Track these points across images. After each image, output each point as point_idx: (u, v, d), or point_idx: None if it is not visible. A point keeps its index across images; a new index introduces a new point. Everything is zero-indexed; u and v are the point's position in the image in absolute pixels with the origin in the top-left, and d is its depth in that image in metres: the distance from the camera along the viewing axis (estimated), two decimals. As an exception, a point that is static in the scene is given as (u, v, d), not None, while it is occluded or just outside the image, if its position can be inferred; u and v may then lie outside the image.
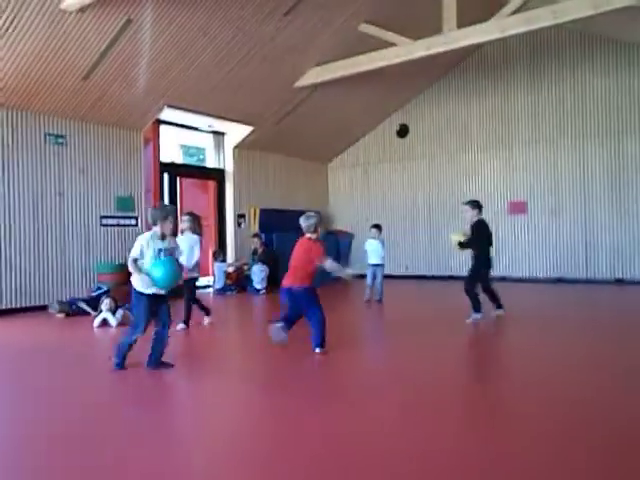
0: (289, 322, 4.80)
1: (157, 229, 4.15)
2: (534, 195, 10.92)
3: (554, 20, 7.47)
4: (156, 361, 4.22)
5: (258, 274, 9.88)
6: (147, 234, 4.20)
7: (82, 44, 6.88)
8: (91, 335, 6.08)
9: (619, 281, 9.96)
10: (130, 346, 4.18)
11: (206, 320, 6.33)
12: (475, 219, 6.26)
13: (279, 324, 4.79)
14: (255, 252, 10.36)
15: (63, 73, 7.25)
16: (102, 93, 7.93)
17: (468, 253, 6.43)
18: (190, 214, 6.33)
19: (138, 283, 4.11)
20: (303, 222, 4.77)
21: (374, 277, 8.11)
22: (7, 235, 7.57)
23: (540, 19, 7.55)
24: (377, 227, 8.40)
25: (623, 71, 10.01)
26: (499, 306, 6.33)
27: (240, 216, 11.20)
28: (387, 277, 8.66)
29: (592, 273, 10.25)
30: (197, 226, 6.20)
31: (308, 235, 4.78)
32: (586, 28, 9.90)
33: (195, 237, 6.06)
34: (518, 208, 11.05)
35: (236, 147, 11.00)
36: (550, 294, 9.15)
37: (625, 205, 9.92)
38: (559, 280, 10.49)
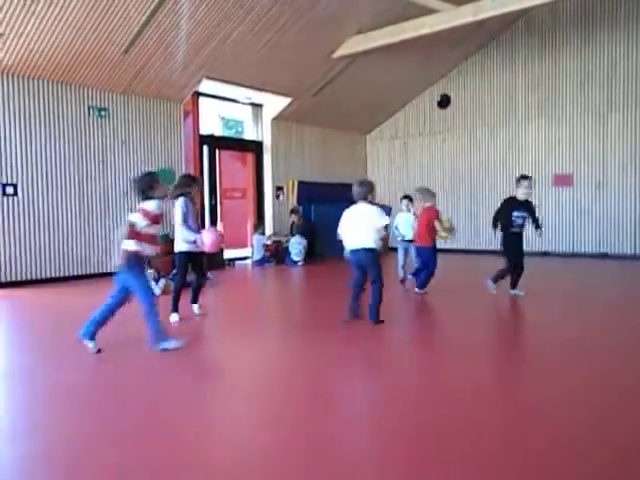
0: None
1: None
2: (580, 168, 10.52)
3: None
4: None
5: (296, 246, 9.94)
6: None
7: (122, 17, 6.92)
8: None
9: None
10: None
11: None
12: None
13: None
14: (293, 225, 10.41)
15: (104, 46, 7.34)
16: (142, 66, 8.00)
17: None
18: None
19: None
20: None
21: (406, 254, 7.02)
22: (53, 205, 7.83)
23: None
24: (409, 198, 7.31)
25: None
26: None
27: (278, 188, 11.22)
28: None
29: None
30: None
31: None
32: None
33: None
34: (563, 181, 10.68)
35: (274, 119, 10.96)
36: (600, 271, 8.85)
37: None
38: (605, 255, 10.16)
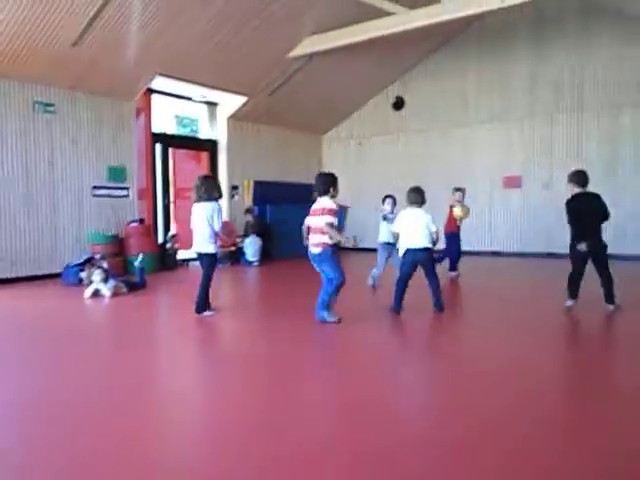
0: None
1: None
2: (529, 169, 10.86)
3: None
4: None
5: (251, 247, 9.85)
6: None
7: (70, 9, 6.68)
8: (83, 306, 6.06)
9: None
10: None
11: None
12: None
13: None
14: (248, 225, 10.32)
15: (50, 40, 7.07)
16: (92, 61, 7.75)
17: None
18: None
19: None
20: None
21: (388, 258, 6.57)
22: (-3, 205, 7.49)
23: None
24: (392, 198, 6.76)
25: (622, 45, 9.85)
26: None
27: (234, 188, 11.11)
28: (366, 250, 8.52)
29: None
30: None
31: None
32: (587, -1, 9.72)
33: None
34: (513, 182, 11.00)
35: (230, 118, 10.85)
36: (544, 269, 9.17)
37: (620, 180, 9.89)
38: (550, 255, 10.52)
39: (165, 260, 9.04)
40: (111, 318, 5.64)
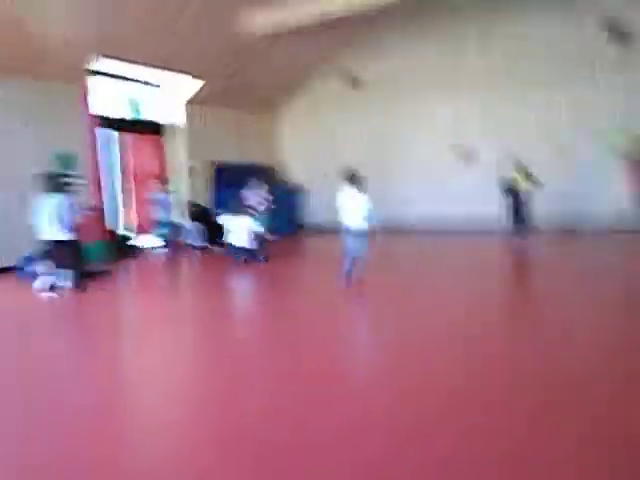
0: None
1: None
2: (483, 142, 10.91)
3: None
4: None
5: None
6: None
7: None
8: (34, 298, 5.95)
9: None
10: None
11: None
12: None
13: None
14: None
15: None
16: (36, 43, 7.44)
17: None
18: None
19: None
20: None
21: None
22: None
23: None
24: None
25: (567, 20, 9.90)
26: None
27: (191, 169, 10.95)
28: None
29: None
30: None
31: None
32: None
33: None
34: (467, 155, 11.05)
35: (189, 102, 10.65)
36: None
37: (562, 152, 10.05)
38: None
39: (119, 248, 8.88)
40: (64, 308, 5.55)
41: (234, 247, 7.67)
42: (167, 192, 9.20)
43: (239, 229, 7.63)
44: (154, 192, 9.00)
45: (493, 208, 9.71)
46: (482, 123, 10.92)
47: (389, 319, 4.40)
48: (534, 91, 10.32)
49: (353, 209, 5.60)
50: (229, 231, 7.73)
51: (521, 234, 8.04)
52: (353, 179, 5.69)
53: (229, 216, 7.86)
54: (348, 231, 5.62)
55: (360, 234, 5.59)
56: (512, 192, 8.05)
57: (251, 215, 7.92)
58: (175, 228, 9.13)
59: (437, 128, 11.40)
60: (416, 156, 11.65)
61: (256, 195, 8.46)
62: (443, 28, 11.04)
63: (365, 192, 5.69)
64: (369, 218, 5.58)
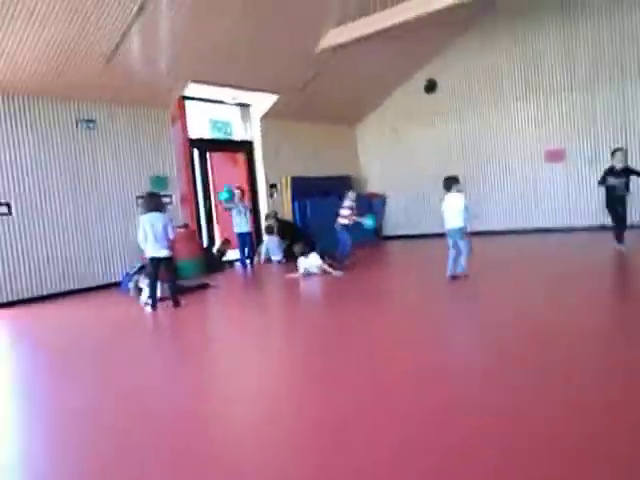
0: None
1: None
2: (571, 143, 10.52)
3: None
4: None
5: (271, 245, 10.00)
6: None
7: (102, 28, 6.90)
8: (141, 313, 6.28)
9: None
10: None
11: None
12: None
13: None
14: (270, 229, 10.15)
15: (86, 58, 7.31)
16: (126, 74, 7.98)
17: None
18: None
19: None
20: None
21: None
22: (48, 221, 7.83)
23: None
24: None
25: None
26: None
27: (272, 186, 11.22)
28: (408, 237, 8.47)
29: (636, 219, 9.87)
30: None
31: None
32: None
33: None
34: (555, 156, 10.69)
35: (263, 117, 10.95)
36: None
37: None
38: (603, 227, 10.16)
39: (211, 263, 9.25)
40: (168, 324, 5.82)
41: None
42: (248, 207, 9.69)
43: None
44: (237, 207, 9.38)
45: (586, 207, 9.32)
46: (571, 123, 10.54)
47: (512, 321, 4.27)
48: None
49: (452, 209, 6.07)
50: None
51: (620, 233, 7.59)
52: (450, 182, 6.17)
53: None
54: (450, 232, 6.11)
55: (459, 233, 6.03)
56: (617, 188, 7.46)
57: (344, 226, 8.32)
58: (256, 242, 9.49)
59: (521, 132, 11.09)
60: (502, 160, 11.39)
61: (347, 203, 8.54)
62: (523, 28, 10.78)
63: (462, 192, 6.16)
64: (468, 217, 6.05)
